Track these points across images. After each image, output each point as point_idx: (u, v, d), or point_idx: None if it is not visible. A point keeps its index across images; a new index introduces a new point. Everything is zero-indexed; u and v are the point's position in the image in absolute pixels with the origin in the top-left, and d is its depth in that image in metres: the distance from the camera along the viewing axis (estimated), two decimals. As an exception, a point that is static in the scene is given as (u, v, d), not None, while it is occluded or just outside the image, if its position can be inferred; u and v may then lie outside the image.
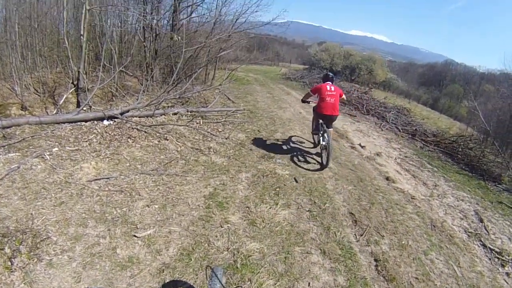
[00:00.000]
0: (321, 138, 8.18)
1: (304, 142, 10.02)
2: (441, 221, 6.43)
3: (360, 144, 10.82)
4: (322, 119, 8.13)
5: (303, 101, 9.12)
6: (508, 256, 5.71)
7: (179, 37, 13.19)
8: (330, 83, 8.27)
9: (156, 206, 5.10)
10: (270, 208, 5.54)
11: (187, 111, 10.57)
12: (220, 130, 9.81)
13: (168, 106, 10.93)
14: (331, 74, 8.82)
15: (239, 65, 23.46)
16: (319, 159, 8.45)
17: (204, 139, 8.71)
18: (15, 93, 10.73)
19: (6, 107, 10.09)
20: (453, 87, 72.78)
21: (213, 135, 9.08)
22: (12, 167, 5.55)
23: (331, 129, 8.12)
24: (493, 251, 5.79)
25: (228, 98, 15.43)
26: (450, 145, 13.11)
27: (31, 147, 6.44)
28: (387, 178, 8.17)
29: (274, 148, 8.95)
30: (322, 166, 7.91)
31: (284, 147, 9.35)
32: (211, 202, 5.47)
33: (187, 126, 9.20)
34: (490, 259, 5.58)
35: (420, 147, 12.62)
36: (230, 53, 20.95)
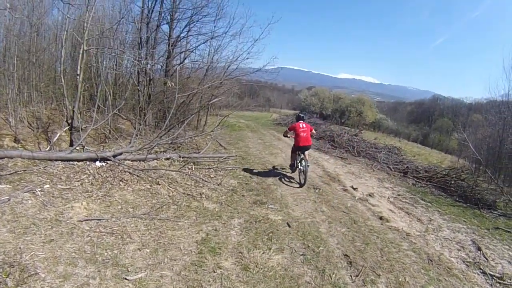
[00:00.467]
0: (299, 164, 10.36)
1: (285, 168, 12.13)
2: (438, 255, 6.39)
3: (352, 187, 10.79)
4: (299, 150, 10.41)
5: (284, 135, 11.60)
6: (510, 279, 5.74)
7: (172, 83, 13.31)
8: (302, 121, 10.69)
9: (148, 250, 5.01)
10: (263, 253, 5.46)
11: (180, 157, 10.58)
12: (212, 176, 9.78)
13: (161, 151, 10.94)
14: (301, 114, 11.61)
15: (230, 111, 23.68)
16: (297, 180, 10.46)
17: (196, 185, 8.67)
18: (9, 124, 10.76)
19: (-1, 137, 10.07)
20: (442, 121, 73.88)
21: (205, 181, 9.03)
22: (2, 198, 5.56)
23: (307, 152, 10.49)
24: (493, 277, 5.78)
25: (220, 144, 15.47)
26: (443, 178, 13.20)
27: (22, 181, 6.46)
28: (381, 218, 8.14)
29: (266, 193, 8.89)
30: (301, 185, 10.04)
31: (273, 172, 11.43)
32: (203, 248, 5.37)
33: (179, 171, 9.18)
34: (491, 285, 5.56)
35: (413, 184, 12.69)
36: (222, 100, 21.15)
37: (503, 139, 14.62)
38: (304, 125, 10.51)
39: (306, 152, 10.47)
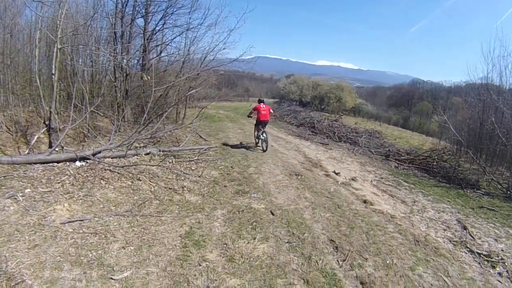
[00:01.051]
0: (261, 135, 13.88)
1: (250, 143, 15.08)
2: (424, 235, 6.49)
3: (334, 171, 10.88)
4: (261, 124, 13.81)
5: (248, 116, 15.50)
6: (497, 256, 5.83)
7: (149, 77, 13.22)
8: (262, 103, 14.09)
9: (132, 248, 4.99)
10: (248, 243, 5.47)
11: (159, 151, 10.52)
12: (193, 168, 9.78)
13: (140, 146, 10.87)
14: (262, 99, 14.98)
15: (209, 102, 23.59)
16: (261, 148, 13.91)
17: (177, 178, 8.65)
18: (-13, 130, 10.56)
19: (-23, 144, 9.91)
20: (422, 104, 74.64)
21: (186, 174, 9.03)
22: (-17, 207, 5.45)
23: (266, 129, 14.15)
24: (481, 255, 5.89)
25: (200, 136, 15.50)
26: (425, 160, 13.45)
27: (3, 187, 6.38)
28: (365, 201, 8.21)
29: (248, 182, 8.92)
30: (264, 151, 13.50)
31: (243, 145, 14.83)
32: (187, 241, 5.38)
33: (160, 165, 9.16)
34: (479, 263, 5.65)
35: (395, 167, 12.90)
36: (200, 91, 21.11)
37: (483, 120, 14.84)
38: (264, 106, 13.96)
39: (267, 128, 14.38)
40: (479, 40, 15.49)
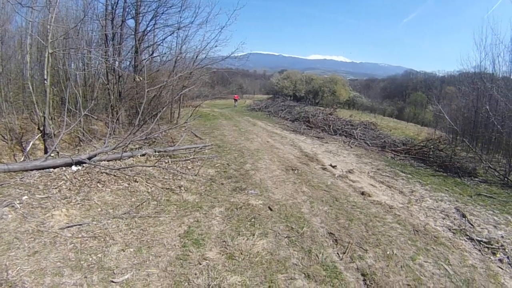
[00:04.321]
0: (234, 103, 45.58)
1: (232, 106, 34.94)
2: (423, 225, 6.53)
3: (331, 165, 10.91)
4: (235, 100, 47.04)
5: (235, 100, 47.73)
6: (497, 243, 5.90)
7: (141, 78, 13.19)
8: (236, 95, 49.03)
9: (132, 250, 4.98)
10: (247, 239, 5.46)
11: (155, 152, 10.45)
12: (189, 167, 9.77)
13: (136, 148, 10.79)
14: (235, 93, 51.76)
15: (203, 101, 23.70)
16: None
17: (174, 178, 8.63)
18: (-19, 139, 10.52)
19: (-28, 154, 9.88)
20: (416, 95, 74.73)
21: (183, 173, 9.02)
22: (-19, 217, 5.43)
23: (236, 103, 45.49)
24: (481, 242, 5.94)
25: (195, 135, 15.46)
26: (421, 150, 13.52)
27: (0, 196, 6.32)
28: (363, 193, 8.23)
29: (245, 179, 8.91)
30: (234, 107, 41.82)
31: (229, 110, 32.49)
32: (186, 241, 5.37)
33: (156, 166, 9.13)
34: (479, 250, 5.69)
35: (391, 158, 12.98)
36: (193, 90, 21.20)
37: (478, 109, 14.96)
38: (236, 96, 47.71)
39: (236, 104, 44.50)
40: (471, 29, 15.66)
